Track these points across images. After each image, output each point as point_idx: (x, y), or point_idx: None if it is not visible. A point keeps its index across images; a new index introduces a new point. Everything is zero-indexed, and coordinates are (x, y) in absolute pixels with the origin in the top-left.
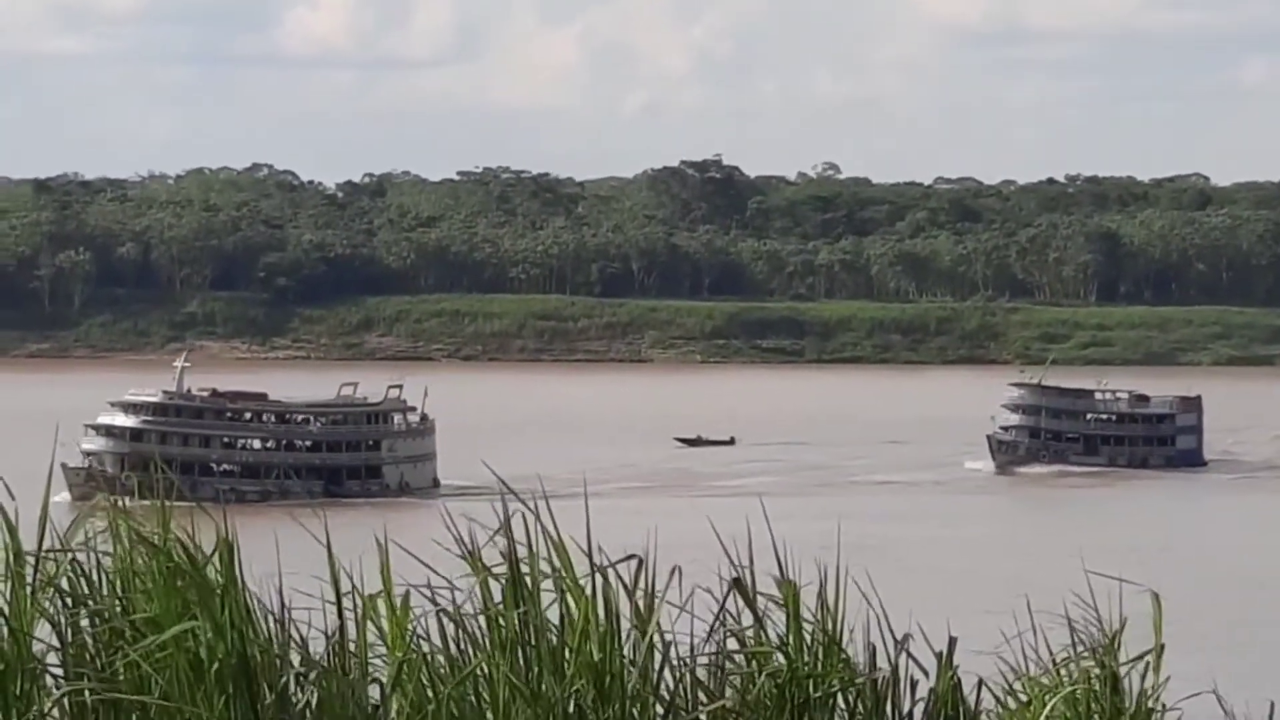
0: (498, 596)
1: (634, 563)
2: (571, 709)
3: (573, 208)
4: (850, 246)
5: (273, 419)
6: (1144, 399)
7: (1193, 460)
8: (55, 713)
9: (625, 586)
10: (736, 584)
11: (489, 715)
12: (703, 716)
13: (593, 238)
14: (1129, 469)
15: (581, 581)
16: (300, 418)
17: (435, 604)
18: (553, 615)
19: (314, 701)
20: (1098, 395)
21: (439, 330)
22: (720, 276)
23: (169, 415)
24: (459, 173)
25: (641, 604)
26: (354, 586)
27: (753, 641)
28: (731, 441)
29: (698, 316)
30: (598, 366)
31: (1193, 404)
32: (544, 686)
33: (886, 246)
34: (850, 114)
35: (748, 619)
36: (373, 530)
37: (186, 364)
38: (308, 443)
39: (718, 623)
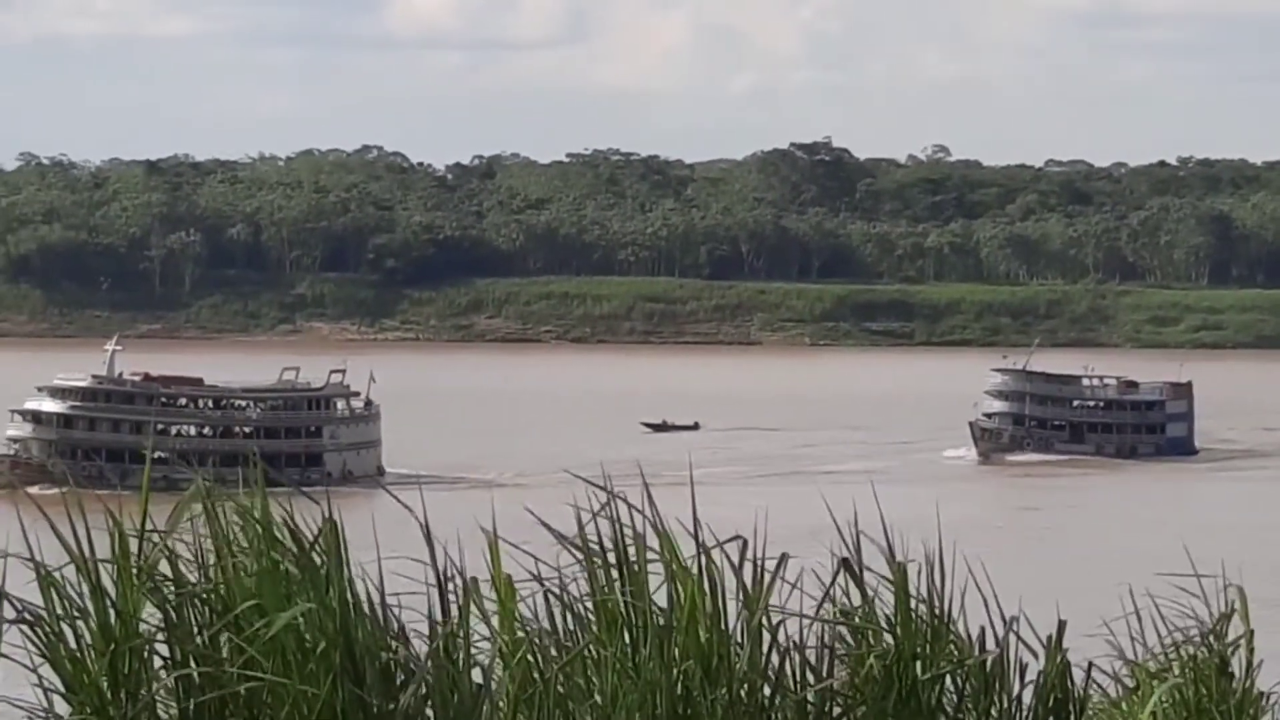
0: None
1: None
2: (679, 691)
3: (682, 190)
4: (960, 229)
5: (209, 404)
6: (1133, 385)
7: (1183, 448)
8: (163, 691)
9: (732, 566)
10: (845, 564)
11: (596, 698)
12: (810, 696)
13: (702, 220)
14: (1117, 458)
15: (687, 563)
16: (238, 403)
17: (542, 584)
18: (659, 598)
19: (420, 683)
20: (1084, 381)
21: (548, 312)
22: (829, 259)
23: (99, 400)
24: (568, 154)
25: (749, 585)
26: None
27: (861, 622)
28: (695, 427)
29: (807, 299)
30: (706, 349)
31: (1183, 390)
32: (651, 669)
33: (997, 229)
34: (960, 96)
35: (840, 600)
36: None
37: (118, 347)
38: (246, 429)
39: (825, 603)
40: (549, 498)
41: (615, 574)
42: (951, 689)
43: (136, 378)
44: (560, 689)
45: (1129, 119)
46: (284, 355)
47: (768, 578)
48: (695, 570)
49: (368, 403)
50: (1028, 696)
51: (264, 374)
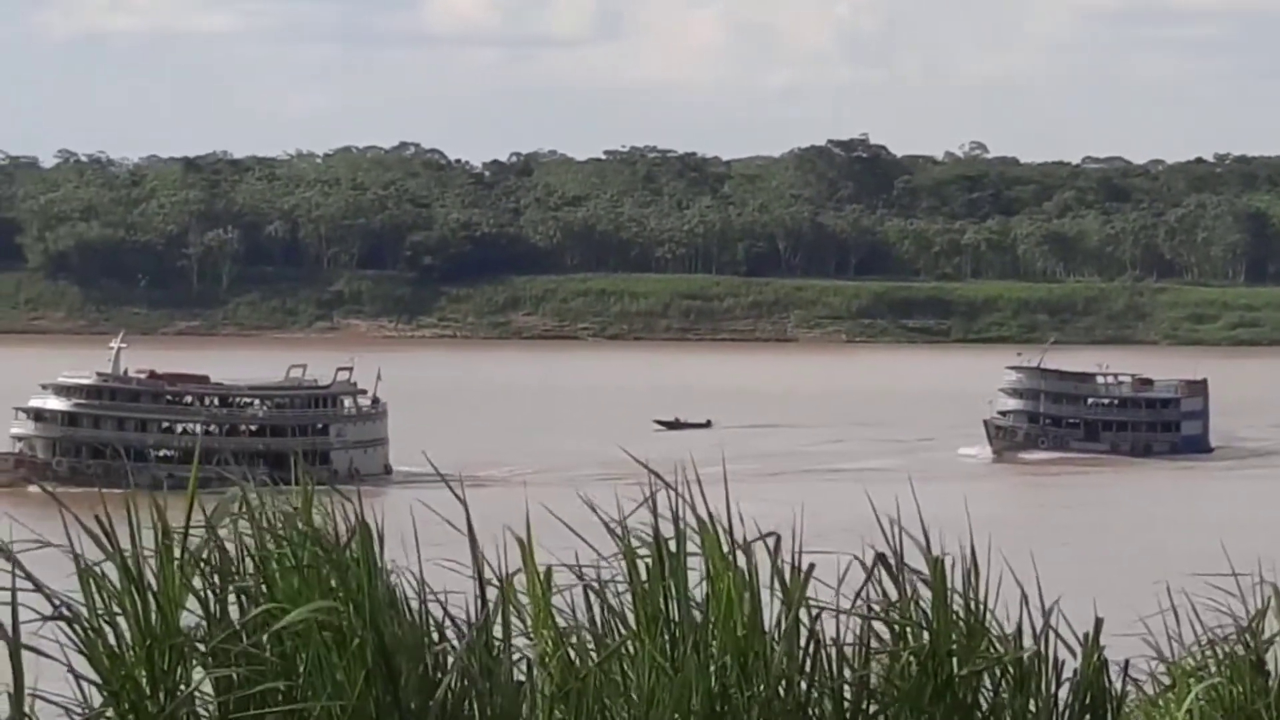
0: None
1: (773, 540)
2: (715, 687)
3: (719, 187)
4: (997, 226)
5: (215, 402)
6: (1148, 382)
7: (1198, 446)
8: (204, 686)
9: (771, 559)
10: (881, 560)
11: (633, 694)
12: (846, 690)
13: (739, 217)
14: (1131, 456)
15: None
16: (244, 401)
17: (581, 579)
18: (695, 593)
19: (456, 680)
20: (1099, 379)
21: (585, 309)
22: (866, 256)
23: (103, 398)
24: (605, 152)
25: (786, 581)
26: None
27: (897, 618)
28: (708, 424)
29: (844, 296)
30: (743, 346)
31: (1198, 388)
32: (689, 665)
33: (1034, 226)
34: (997, 92)
35: (874, 596)
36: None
37: (123, 344)
38: (252, 427)
39: (860, 599)
40: (558, 496)
41: (655, 568)
42: (988, 685)
43: (142, 375)
44: (597, 685)
45: (1166, 116)
46: (322, 352)
47: (803, 574)
48: (734, 565)
49: (375, 400)
50: (1063, 694)
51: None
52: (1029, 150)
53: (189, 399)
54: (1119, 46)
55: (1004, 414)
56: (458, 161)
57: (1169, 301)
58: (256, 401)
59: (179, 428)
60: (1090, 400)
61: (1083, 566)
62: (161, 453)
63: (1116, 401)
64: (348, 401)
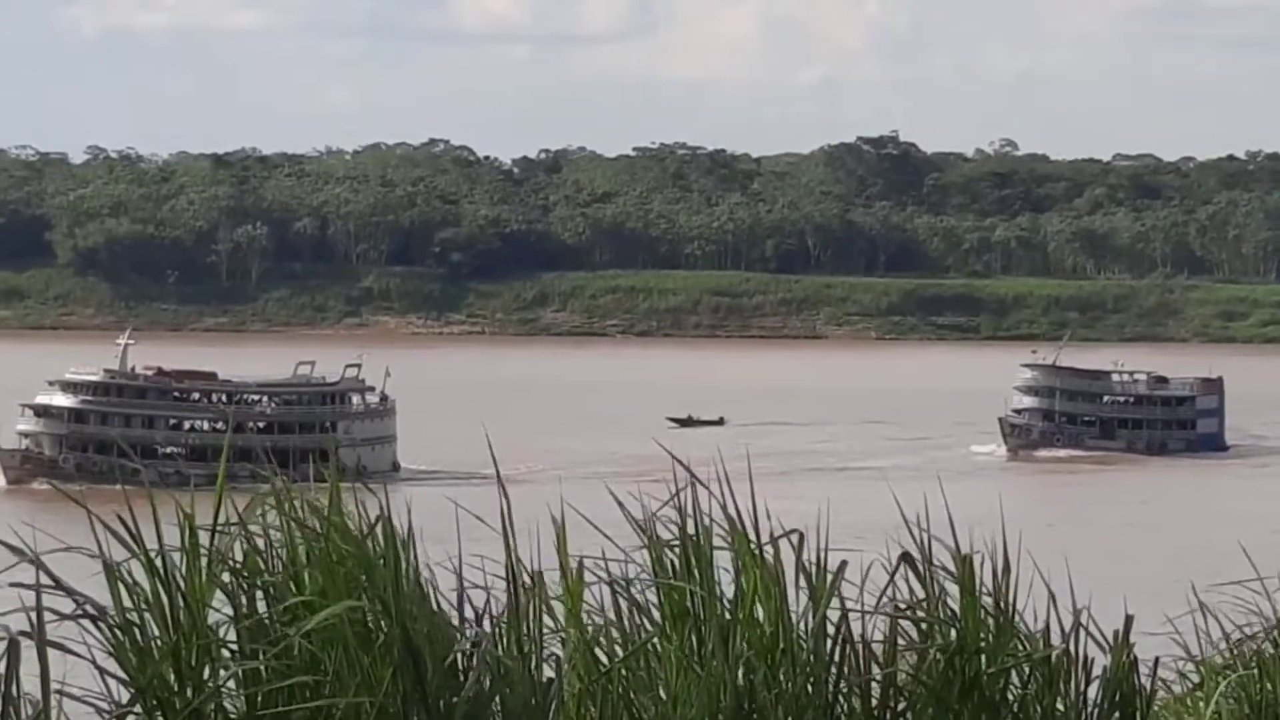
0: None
1: (796, 537)
2: (742, 684)
3: (748, 184)
4: (1027, 223)
5: (222, 399)
6: (1163, 380)
7: (1214, 444)
8: (230, 684)
9: (796, 557)
10: (906, 558)
11: (660, 692)
12: (874, 687)
13: (768, 214)
14: (1147, 454)
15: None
16: (251, 398)
17: (608, 575)
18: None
19: (485, 677)
20: (1114, 376)
21: (614, 306)
22: (896, 253)
23: (110, 395)
24: (635, 148)
25: (812, 578)
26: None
27: (924, 615)
28: (721, 422)
29: (873, 293)
30: (772, 343)
31: (1214, 386)
32: (715, 663)
33: (1064, 223)
34: (1028, 89)
35: (900, 594)
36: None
37: (130, 340)
38: (260, 424)
39: (886, 597)
40: (574, 493)
41: (682, 565)
42: (1016, 683)
43: (149, 372)
44: (625, 683)
45: (1197, 112)
46: (350, 349)
47: (835, 572)
48: (762, 562)
49: (383, 397)
50: (1092, 691)
51: (330, 368)
52: (1059, 147)
53: (196, 396)
54: (1150, 43)
55: (1019, 412)
56: (487, 158)
57: (1200, 299)
58: (264, 398)
59: (186, 424)
60: (1105, 398)
61: (1100, 564)
62: (168, 449)
63: (1131, 399)
64: (355, 399)
